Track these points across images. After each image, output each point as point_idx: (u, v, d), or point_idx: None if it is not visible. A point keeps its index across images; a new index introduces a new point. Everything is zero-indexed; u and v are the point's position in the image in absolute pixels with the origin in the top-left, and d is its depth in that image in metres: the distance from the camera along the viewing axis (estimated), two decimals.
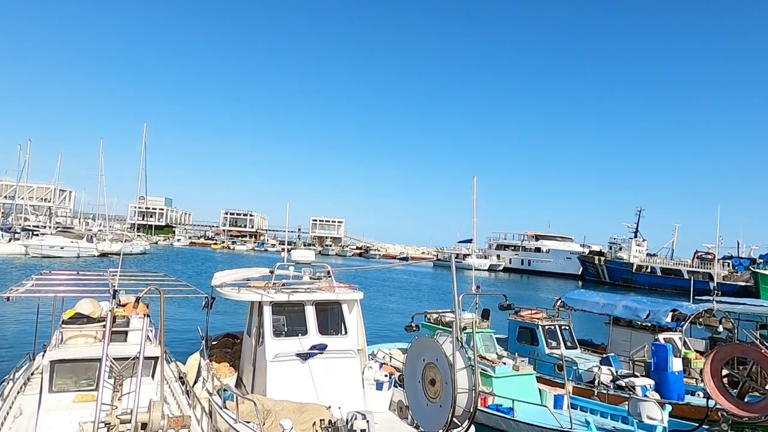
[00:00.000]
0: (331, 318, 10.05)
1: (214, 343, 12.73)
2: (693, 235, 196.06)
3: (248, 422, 7.70)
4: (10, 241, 59.27)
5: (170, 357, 10.87)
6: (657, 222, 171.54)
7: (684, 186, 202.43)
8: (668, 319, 15.29)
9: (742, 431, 10.49)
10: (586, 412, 11.16)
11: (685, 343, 15.30)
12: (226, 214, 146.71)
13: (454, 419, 5.51)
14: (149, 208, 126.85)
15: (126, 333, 8.53)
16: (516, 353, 14.03)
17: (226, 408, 8.35)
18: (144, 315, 8.68)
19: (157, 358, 7.65)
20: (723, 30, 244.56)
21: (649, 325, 15.96)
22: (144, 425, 5.98)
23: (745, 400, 9.15)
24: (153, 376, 7.80)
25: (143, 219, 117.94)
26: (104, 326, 7.18)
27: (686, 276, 70.25)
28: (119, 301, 9.17)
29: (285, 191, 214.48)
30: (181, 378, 9.75)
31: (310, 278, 11.47)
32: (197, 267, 57.75)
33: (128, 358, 7.41)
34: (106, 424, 6.07)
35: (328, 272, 11.36)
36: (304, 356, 9.18)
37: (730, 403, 8.99)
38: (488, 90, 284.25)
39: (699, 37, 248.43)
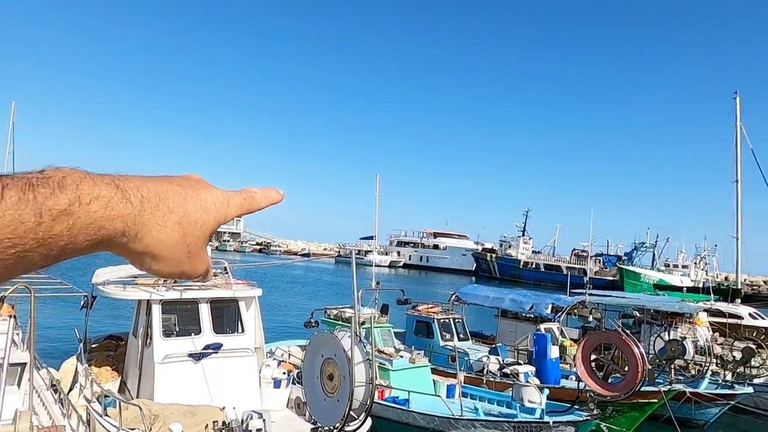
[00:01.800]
0: (227, 316, 9.72)
1: (94, 346, 11.73)
2: (572, 234, 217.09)
3: (133, 429, 7.22)
4: None
5: (41, 363, 9.85)
6: (542, 222, 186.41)
7: (565, 189, 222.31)
8: (548, 311, 16.76)
9: (605, 409, 11.83)
10: (476, 399, 11.89)
11: (561, 332, 16.86)
12: None
13: (351, 412, 5.61)
14: None
15: None
16: (413, 346, 14.56)
17: (107, 415, 7.75)
18: (9, 316, 7.78)
19: (24, 364, 6.91)
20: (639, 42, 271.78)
21: (532, 316, 17.37)
22: None
23: (609, 381, 10.31)
24: (19, 385, 7.02)
25: None
26: None
27: (565, 271, 77.21)
28: None
29: None
30: (54, 386, 8.88)
31: None
32: (75, 263, 52.25)
33: None
34: None
35: (225, 268, 10.96)
36: (197, 356, 8.79)
37: (597, 385, 10.07)
38: (388, 87, 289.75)
39: (596, 44, 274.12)
